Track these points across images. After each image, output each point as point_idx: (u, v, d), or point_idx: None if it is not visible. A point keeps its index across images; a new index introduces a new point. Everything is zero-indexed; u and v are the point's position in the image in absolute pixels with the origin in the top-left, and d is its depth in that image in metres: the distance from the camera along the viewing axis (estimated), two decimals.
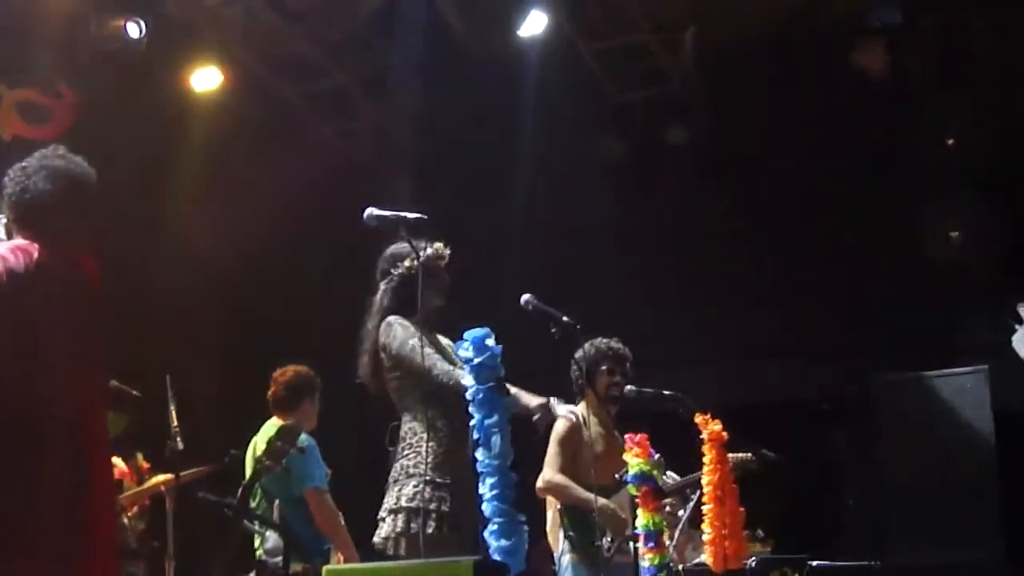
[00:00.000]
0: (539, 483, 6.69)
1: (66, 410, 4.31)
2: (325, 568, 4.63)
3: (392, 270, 5.79)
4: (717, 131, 10.57)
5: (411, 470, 5.42)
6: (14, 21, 8.51)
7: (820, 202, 10.48)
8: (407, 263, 5.72)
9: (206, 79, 9.70)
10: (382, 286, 5.82)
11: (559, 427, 6.75)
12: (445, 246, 5.83)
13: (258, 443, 6.64)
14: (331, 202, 9.80)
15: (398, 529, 5.34)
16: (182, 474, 6.45)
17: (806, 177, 10.43)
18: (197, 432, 6.89)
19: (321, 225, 10.28)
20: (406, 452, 5.49)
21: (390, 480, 5.51)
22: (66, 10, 8.76)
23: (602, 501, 6.37)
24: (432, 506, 5.33)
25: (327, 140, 10.88)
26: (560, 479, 6.64)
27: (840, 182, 10.43)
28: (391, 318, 5.63)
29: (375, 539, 5.47)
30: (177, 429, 6.18)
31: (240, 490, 4.99)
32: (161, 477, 6.77)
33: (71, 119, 8.99)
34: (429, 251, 5.72)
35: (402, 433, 5.57)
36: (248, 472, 6.09)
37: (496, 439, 5.11)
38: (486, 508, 5.12)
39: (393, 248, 5.82)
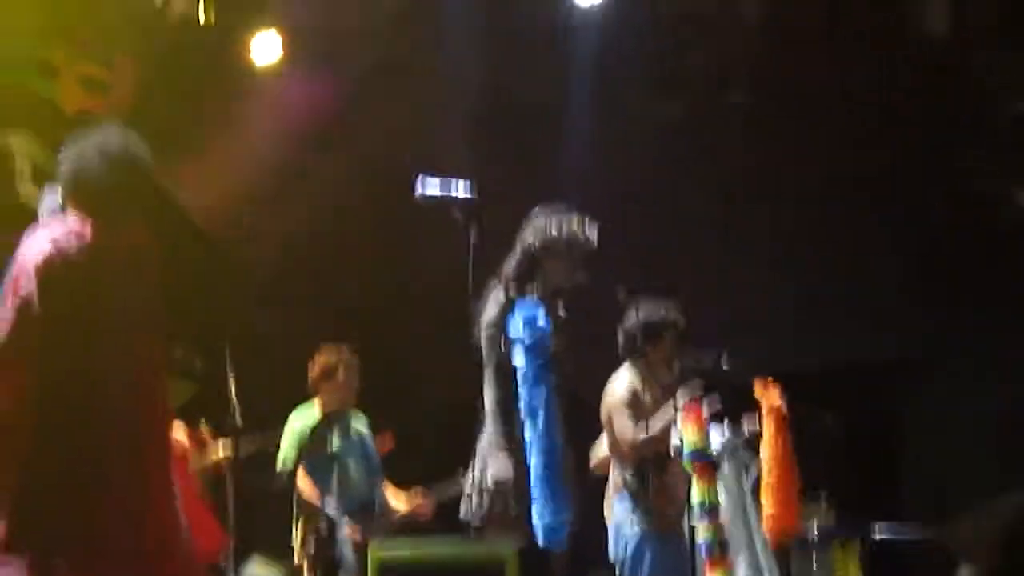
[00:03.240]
0: (623, 447, 6.49)
1: (124, 390, 4.35)
2: (371, 545, 4.69)
3: (519, 241, 5.74)
4: (773, 91, 10.43)
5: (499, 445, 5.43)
6: None
7: (887, 162, 10.30)
8: (531, 237, 5.68)
9: (267, 50, 9.72)
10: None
11: (621, 392, 6.61)
12: (581, 222, 5.72)
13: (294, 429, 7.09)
14: (389, 169, 9.79)
15: (484, 507, 5.40)
16: (239, 454, 6.56)
17: (870, 138, 10.26)
18: (256, 406, 7.01)
19: (383, 196, 10.26)
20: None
21: (476, 451, 5.53)
22: None
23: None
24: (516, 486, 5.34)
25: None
26: (643, 433, 6.40)
27: (913, 144, 10.24)
28: (497, 292, 5.58)
29: (462, 511, 5.54)
30: (236, 405, 6.26)
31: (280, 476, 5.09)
32: (220, 454, 6.91)
33: (131, 92, 9.04)
34: (552, 231, 5.65)
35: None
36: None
37: (542, 415, 5.12)
38: (533, 486, 5.13)
39: (536, 217, 5.75)
